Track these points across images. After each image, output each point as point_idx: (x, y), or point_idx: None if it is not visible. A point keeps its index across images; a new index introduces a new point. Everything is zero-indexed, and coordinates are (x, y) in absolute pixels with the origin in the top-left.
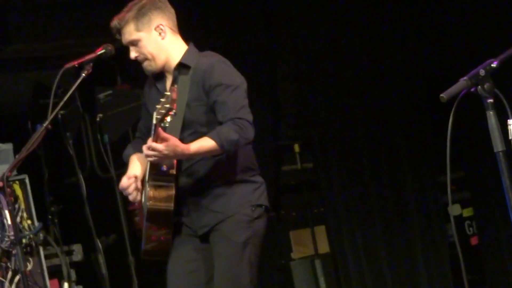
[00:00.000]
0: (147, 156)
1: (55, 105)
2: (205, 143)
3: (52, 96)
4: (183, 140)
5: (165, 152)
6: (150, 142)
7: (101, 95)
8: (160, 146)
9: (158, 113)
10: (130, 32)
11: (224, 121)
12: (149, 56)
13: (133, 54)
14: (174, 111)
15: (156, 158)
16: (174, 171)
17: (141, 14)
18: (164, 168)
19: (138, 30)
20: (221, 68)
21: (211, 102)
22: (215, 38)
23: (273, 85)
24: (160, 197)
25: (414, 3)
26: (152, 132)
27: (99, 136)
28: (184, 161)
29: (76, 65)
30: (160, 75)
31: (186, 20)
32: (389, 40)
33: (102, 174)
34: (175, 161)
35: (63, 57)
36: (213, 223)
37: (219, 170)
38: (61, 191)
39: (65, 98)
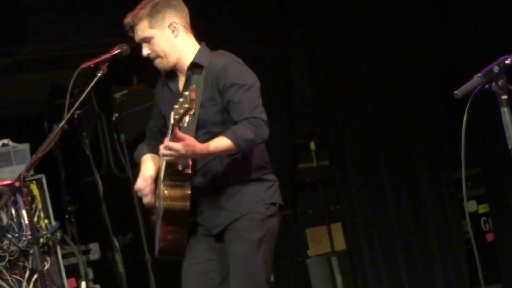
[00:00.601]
0: (164, 155)
1: (71, 105)
2: (222, 142)
3: (68, 96)
4: (197, 139)
5: (183, 151)
6: (167, 141)
7: (117, 95)
8: (177, 145)
9: (176, 113)
10: (143, 29)
11: (239, 121)
12: (162, 54)
13: (145, 51)
14: (193, 110)
15: (173, 157)
16: (189, 171)
17: (155, 12)
18: (180, 167)
19: (151, 27)
20: (234, 68)
21: (225, 102)
22: (231, 37)
23: (289, 83)
24: (176, 197)
25: (427, 2)
26: (170, 132)
27: (115, 135)
28: (198, 160)
29: (92, 65)
30: (172, 74)
31: (201, 21)
32: (404, 38)
33: (119, 173)
34: (190, 161)
35: (79, 57)
36: (227, 222)
37: (233, 169)
38: (78, 190)
39: (81, 98)
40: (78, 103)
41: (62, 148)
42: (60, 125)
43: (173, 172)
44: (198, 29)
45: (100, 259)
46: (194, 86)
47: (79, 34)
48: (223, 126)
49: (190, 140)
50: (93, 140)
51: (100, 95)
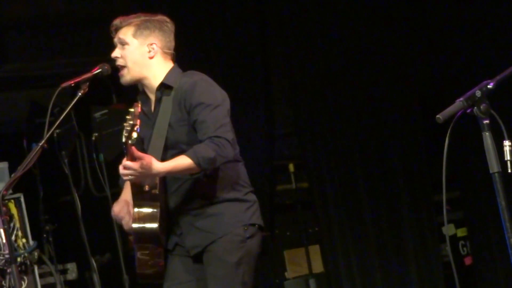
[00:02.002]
0: (123, 175)
1: (51, 124)
2: (181, 161)
3: (48, 115)
4: (165, 159)
5: (140, 170)
6: (124, 161)
7: (97, 114)
8: (134, 164)
9: (125, 131)
10: (125, 33)
11: (203, 140)
12: (130, 64)
13: (116, 52)
14: (137, 126)
15: (132, 177)
16: (157, 191)
17: (144, 26)
18: (147, 188)
19: (134, 36)
20: (201, 87)
21: (192, 122)
22: (212, 60)
23: (268, 105)
24: (145, 217)
25: (410, 24)
26: (125, 151)
27: (95, 155)
28: (172, 181)
29: (73, 84)
30: (145, 97)
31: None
32: (385, 60)
33: (97, 193)
34: (157, 181)
35: (59, 76)
36: (205, 243)
37: (209, 190)
38: (56, 210)
39: (61, 117)
40: (58, 122)
41: (41, 167)
42: (40, 144)
43: (140, 193)
44: (180, 52)
45: (78, 279)
46: (139, 101)
47: (59, 52)
48: (194, 146)
49: (148, 159)
50: (72, 159)
51: (80, 114)
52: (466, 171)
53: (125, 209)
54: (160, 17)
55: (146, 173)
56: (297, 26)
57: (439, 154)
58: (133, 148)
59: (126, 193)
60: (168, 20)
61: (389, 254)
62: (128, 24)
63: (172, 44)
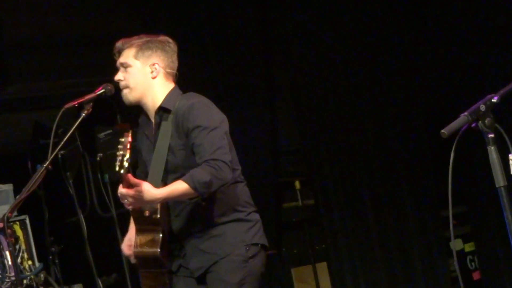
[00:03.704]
0: (122, 202)
1: (55, 145)
2: (178, 186)
3: (52, 136)
4: (167, 184)
5: (137, 197)
6: (120, 188)
7: (101, 135)
8: (129, 191)
9: (118, 161)
10: (127, 56)
11: (200, 163)
12: (132, 85)
13: (119, 75)
14: (127, 157)
15: (129, 204)
16: (157, 216)
17: (146, 47)
18: (147, 213)
19: (135, 57)
20: (198, 110)
21: (191, 145)
22: (216, 79)
23: (274, 122)
24: (146, 243)
25: (414, 38)
26: (121, 180)
27: (99, 175)
28: (175, 205)
29: (76, 105)
30: (147, 120)
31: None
32: (389, 75)
33: (103, 214)
34: (158, 206)
35: (63, 97)
36: (208, 264)
37: (211, 212)
38: (62, 231)
39: (65, 138)
40: (62, 143)
41: (46, 188)
42: (44, 165)
43: (141, 218)
44: (182, 70)
45: None
46: (129, 131)
47: (63, 73)
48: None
49: (144, 186)
50: (77, 180)
51: (84, 134)
52: (472, 185)
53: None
54: (162, 37)
55: (142, 200)
56: (302, 42)
57: (445, 169)
58: (129, 175)
59: (133, 227)
60: (170, 40)
61: (397, 270)
62: (130, 46)
63: (175, 64)
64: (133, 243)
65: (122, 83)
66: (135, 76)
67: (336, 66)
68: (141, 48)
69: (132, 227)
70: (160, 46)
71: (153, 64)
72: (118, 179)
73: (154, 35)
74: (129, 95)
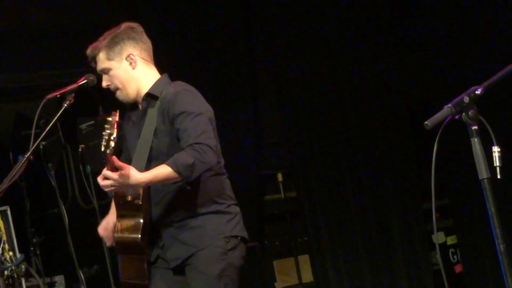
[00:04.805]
0: (103, 186)
1: (37, 136)
2: (161, 170)
3: (34, 127)
4: (149, 169)
5: (120, 180)
6: (104, 171)
7: (83, 126)
8: (114, 175)
9: (104, 141)
10: (102, 61)
11: (185, 148)
12: (120, 86)
13: (105, 82)
14: (115, 136)
15: (113, 187)
16: (139, 201)
17: (113, 43)
18: (129, 198)
19: (109, 59)
20: (184, 96)
21: (176, 131)
22: (199, 69)
23: (256, 114)
24: (127, 228)
25: (397, 30)
26: (104, 161)
27: (81, 167)
28: (156, 193)
29: (58, 96)
30: (134, 106)
31: (169, 53)
32: (373, 67)
33: (84, 205)
34: (140, 191)
35: (45, 87)
36: (185, 256)
37: (191, 202)
38: (43, 222)
39: (47, 128)
40: (44, 134)
41: (27, 179)
42: (26, 156)
43: (123, 203)
44: (166, 63)
45: None
46: (117, 110)
47: (45, 64)
48: None
49: (128, 169)
50: (59, 171)
51: (66, 126)
52: (455, 178)
53: (108, 232)
54: (124, 26)
55: (126, 183)
56: (284, 36)
57: (428, 162)
58: (114, 157)
59: (113, 212)
60: (133, 25)
61: (379, 263)
62: (99, 51)
63: (147, 45)
64: (109, 226)
65: (111, 88)
66: (118, 76)
67: (320, 58)
68: (109, 47)
69: (112, 211)
70: (126, 36)
71: (128, 56)
72: (100, 171)
73: (116, 27)
74: (122, 95)
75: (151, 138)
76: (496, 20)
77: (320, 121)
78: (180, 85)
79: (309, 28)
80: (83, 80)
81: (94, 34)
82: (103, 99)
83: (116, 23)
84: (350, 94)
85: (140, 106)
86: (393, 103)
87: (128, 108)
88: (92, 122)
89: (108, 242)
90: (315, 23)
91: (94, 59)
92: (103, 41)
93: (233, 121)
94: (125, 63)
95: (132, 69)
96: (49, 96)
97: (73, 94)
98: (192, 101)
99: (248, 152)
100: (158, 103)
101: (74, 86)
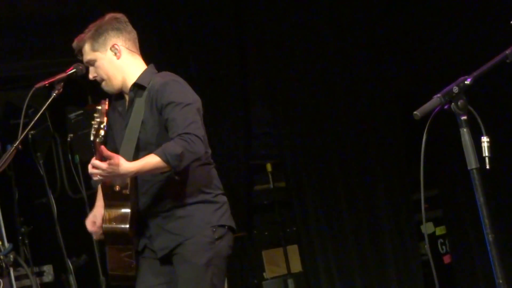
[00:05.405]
0: (92, 174)
1: (25, 125)
2: (150, 160)
3: (22, 116)
4: (137, 159)
5: (109, 170)
6: (93, 160)
7: (72, 115)
8: (102, 164)
9: (93, 129)
10: (87, 52)
11: (173, 138)
12: (105, 76)
13: (91, 74)
14: (104, 124)
15: (101, 177)
16: (127, 191)
17: (97, 34)
18: (117, 188)
19: (94, 50)
20: (172, 87)
21: (164, 121)
22: (188, 58)
23: (245, 104)
24: (115, 218)
25: (386, 20)
26: (93, 150)
27: (70, 156)
28: (143, 183)
29: (47, 85)
30: (120, 97)
31: (158, 43)
32: (362, 57)
33: (73, 195)
34: (128, 181)
35: (34, 77)
36: (172, 245)
37: (179, 192)
38: (32, 211)
39: (36, 118)
40: (32, 123)
41: (16, 168)
42: (14, 145)
43: (111, 193)
44: (156, 52)
45: (54, 281)
46: (106, 99)
47: (34, 54)
48: None
49: (116, 159)
50: (48, 161)
51: (55, 115)
52: (444, 168)
53: (95, 227)
54: (108, 17)
55: (114, 173)
56: (274, 25)
57: (417, 152)
58: (102, 147)
59: (98, 207)
60: (118, 15)
61: (368, 253)
62: (84, 42)
63: (132, 35)
64: (97, 220)
65: (97, 79)
66: (103, 67)
67: (309, 49)
68: (94, 38)
69: (98, 205)
70: (110, 26)
71: (112, 46)
72: (88, 160)
73: (101, 18)
74: (108, 86)
75: (138, 128)
76: (486, 10)
77: (310, 112)
78: (168, 75)
79: (298, 19)
80: (72, 69)
81: (84, 23)
82: (92, 89)
83: (107, 12)
84: (339, 84)
85: (126, 97)
86: (383, 93)
87: (114, 98)
88: (81, 111)
89: (96, 236)
90: (305, 15)
91: (80, 51)
92: (88, 33)
93: (222, 111)
94: (110, 54)
95: (117, 59)
96: (38, 85)
97: (62, 84)
98: (181, 91)
99: (238, 142)
100: (145, 93)
101: (63, 75)
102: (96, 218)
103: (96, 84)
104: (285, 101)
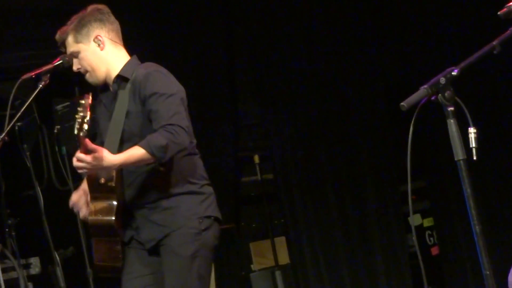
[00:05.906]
0: (77, 167)
1: (12, 116)
2: (135, 152)
3: (9, 108)
4: (122, 152)
5: (94, 163)
6: (77, 153)
7: (59, 107)
8: (87, 157)
9: (77, 123)
10: (70, 44)
11: (157, 129)
12: (89, 68)
13: (75, 66)
14: (88, 118)
15: (85, 169)
16: (113, 183)
17: (80, 26)
18: (103, 181)
19: (77, 41)
20: (155, 77)
21: (147, 112)
22: (176, 50)
23: (233, 96)
24: (101, 210)
25: (373, 13)
26: (78, 144)
27: (57, 148)
28: (128, 174)
29: (33, 76)
30: (106, 89)
31: (146, 36)
32: (349, 50)
33: (60, 187)
34: (113, 173)
35: (20, 68)
36: (159, 237)
37: (164, 183)
38: (18, 203)
39: (22, 109)
40: (19, 114)
41: (2, 160)
42: (1, 137)
43: (97, 185)
44: (142, 44)
45: (41, 273)
46: (90, 93)
47: (20, 45)
48: None
49: (101, 152)
50: (34, 152)
51: (42, 107)
52: (431, 160)
53: (83, 199)
54: (91, 8)
55: (99, 166)
56: (262, 19)
57: (405, 144)
58: (87, 140)
59: (86, 183)
60: (100, 7)
61: (355, 245)
62: (67, 34)
63: (115, 26)
64: (83, 195)
65: (81, 71)
66: (86, 59)
67: (296, 42)
68: (76, 30)
69: (85, 182)
70: (93, 18)
71: (95, 37)
72: (75, 152)
73: (83, 10)
74: (92, 78)
75: (122, 120)
76: (473, 2)
77: (297, 103)
78: (151, 66)
79: (286, 12)
80: (59, 60)
81: (71, 15)
82: (79, 80)
83: (94, 3)
84: (326, 75)
85: (111, 88)
86: (370, 84)
87: (99, 91)
88: (68, 103)
89: (82, 215)
90: (292, 7)
91: (63, 43)
92: (70, 24)
93: (209, 102)
94: (93, 45)
95: (100, 51)
96: (24, 76)
97: (48, 75)
98: (164, 82)
99: (225, 133)
100: (129, 85)
101: (49, 66)
102: (78, 192)
103: (82, 76)
104: (273, 93)
